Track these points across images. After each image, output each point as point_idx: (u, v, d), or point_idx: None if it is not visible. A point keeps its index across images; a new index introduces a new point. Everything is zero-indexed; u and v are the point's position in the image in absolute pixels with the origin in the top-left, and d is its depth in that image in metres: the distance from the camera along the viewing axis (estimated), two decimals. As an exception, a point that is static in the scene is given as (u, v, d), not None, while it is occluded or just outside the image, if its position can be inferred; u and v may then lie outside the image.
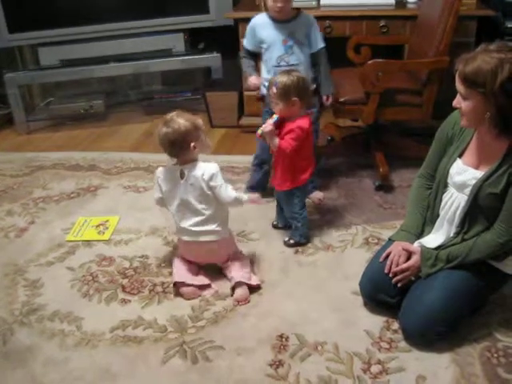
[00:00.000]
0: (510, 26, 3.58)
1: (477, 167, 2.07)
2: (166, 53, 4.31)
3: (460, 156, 2.13)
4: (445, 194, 2.18)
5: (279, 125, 2.58)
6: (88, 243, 2.89)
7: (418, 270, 2.18)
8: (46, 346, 2.24)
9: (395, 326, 2.24)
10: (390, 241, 2.34)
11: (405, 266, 2.18)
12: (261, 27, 2.92)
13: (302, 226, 2.77)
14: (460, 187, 2.11)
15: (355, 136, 3.70)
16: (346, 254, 2.70)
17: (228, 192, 2.41)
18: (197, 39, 4.42)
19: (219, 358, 2.14)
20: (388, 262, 2.22)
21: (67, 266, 2.72)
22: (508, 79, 1.82)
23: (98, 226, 3.03)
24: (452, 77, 1.98)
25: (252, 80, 2.98)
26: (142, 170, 3.65)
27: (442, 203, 2.19)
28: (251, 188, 3.16)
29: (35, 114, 4.60)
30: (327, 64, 3.01)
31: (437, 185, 2.22)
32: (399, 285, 2.21)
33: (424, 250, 2.17)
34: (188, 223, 2.46)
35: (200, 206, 2.42)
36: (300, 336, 2.22)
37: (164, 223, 2.98)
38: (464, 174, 2.09)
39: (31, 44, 4.39)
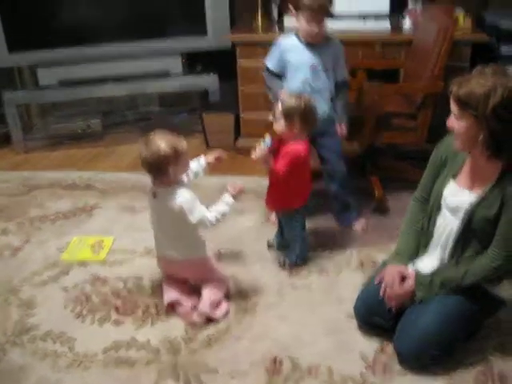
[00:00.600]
0: (504, 51, 3.61)
1: (470, 190, 2.08)
2: (164, 74, 4.33)
3: (454, 178, 2.14)
4: (438, 217, 2.19)
5: (277, 145, 2.59)
6: (83, 263, 2.89)
7: (412, 294, 2.17)
8: (39, 366, 2.23)
9: (390, 349, 2.23)
10: (385, 264, 2.34)
11: (399, 290, 2.18)
12: (289, 49, 2.88)
13: (299, 248, 2.77)
14: (453, 210, 2.11)
15: (350, 159, 3.70)
16: (340, 277, 2.70)
17: (206, 222, 2.34)
18: (194, 61, 4.44)
19: (213, 381, 2.13)
20: (382, 286, 2.22)
21: (61, 286, 2.72)
22: (500, 103, 1.84)
23: (93, 245, 3.03)
24: (446, 101, 2.00)
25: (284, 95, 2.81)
26: (138, 190, 3.64)
27: (436, 226, 2.20)
28: None
29: (33, 133, 4.61)
30: (347, 94, 2.98)
31: (431, 207, 2.22)
32: (394, 309, 2.20)
33: (418, 274, 2.17)
34: (158, 239, 2.49)
35: (169, 228, 2.42)
36: (294, 359, 2.21)
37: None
38: (458, 195, 2.10)
39: (30, 64, 4.41)
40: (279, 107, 2.53)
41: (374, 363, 2.18)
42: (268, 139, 2.54)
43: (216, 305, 2.48)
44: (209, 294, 2.49)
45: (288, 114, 2.52)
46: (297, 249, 2.77)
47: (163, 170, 2.28)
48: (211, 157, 2.63)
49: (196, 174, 2.57)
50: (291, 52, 2.87)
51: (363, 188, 3.44)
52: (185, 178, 2.42)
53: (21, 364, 2.24)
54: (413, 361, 2.14)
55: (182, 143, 2.33)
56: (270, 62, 2.96)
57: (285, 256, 2.80)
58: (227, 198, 2.42)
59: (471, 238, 2.09)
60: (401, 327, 2.19)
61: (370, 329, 2.32)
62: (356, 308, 2.35)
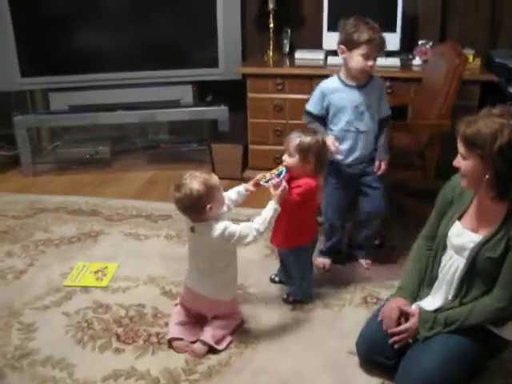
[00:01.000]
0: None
1: (476, 231, 2.08)
2: (174, 103, 4.37)
3: (459, 219, 2.14)
4: (444, 257, 2.18)
5: (287, 182, 2.58)
6: (85, 289, 2.88)
7: (415, 332, 2.15)
8: (37, 392, 2.22)
9: (391, 387, 2.21)
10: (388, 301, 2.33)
11: (402, 327, 2.16)
12: (332, 91, 2.83)
13: (305, 286, 2.75)
14: (458, 250, 2.11)
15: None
16: (343, 313, 2.68)
17: (243, 241, 2.35)
18: (205, 91, 4.49)
19: (211, 413, 2.12)
20: (384, 321, 2.21)
21: (63, 311, 2.71)
22: (506, 144, 1.85)
23: (96, 272, 3.02)
24: (454, 139, 2.01)
25: (331, 141, 2.76)
26: (144, 217, 3.66)
27: (441, 265, 2.19)
28: (325, 252, 3.10)
29: (42, 157, 4.64)
30: (389, 129, 2.95)
31: (436, 246, 2.22)
32: (396, 346, 2.18)
33: (422, 312, 2.16)
34: (193, 270, 2.48)
35: (205, 264, 2.41)
36: (294, 395, 2.19)
37: (163, 273, 2.98)
38: (462, 236, 2.10)
39: (42, 88, 4.46)
40: (295, 143, 2.53)
41: (375, 402, 2.16)
42: (283, 168, 2.55)
43: (220, 339, 2.46)
44: (218, 327, 2.47)
45: (303, 151, 2.53)
46: (303, 287, 2.75)
47: (200, 209, 2.29)
48: (250, 185, 2.61)
49: (234, 202, 2.59)
50: (334, 94, 2.82)
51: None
52: (225, 208, 2.44)
53: (19, 389, 2.23)
54: None
55: (214, 179, 2.34)
56: (312, 106, 2.89)
57: (289, 292, 2.78)
58: (271, 205, 2.43)
59: (476, 278, 2.08)
60: (403, 366, 2.16)
61: (372, 366, 2.30)
62: (358, 345, 2.34)
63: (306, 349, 2.44)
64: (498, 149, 1.86)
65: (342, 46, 2.76)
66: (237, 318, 2.58)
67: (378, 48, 2.72)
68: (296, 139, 2.54)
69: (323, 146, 2.60)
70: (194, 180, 2.27)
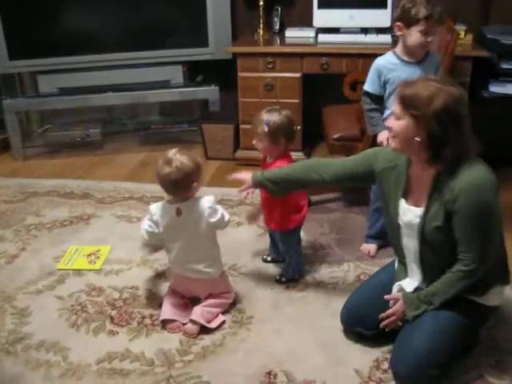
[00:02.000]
0: (504, 67, 3.62)
1: (417, 205, 2.09)
2: (164, 84, 4.35)
3: (403, 197, 2.15)
4: (403, 236, 2.19)
5: (262, 166, 2.63)
6: (78, 272, 2.87)
7: (403, 314, 2.14)
8: (31, 376, 2.22)
9: (385, 365, 2.22)
10: (375, 274, 2.41)
11: (390, 311, 2.16)
12: (388, 68, 2.79)
13: (296, 262, 2.76)
14: (409, 227, 2.13)
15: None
16: (337, 291, 2.69)
17: (225, 219, 2.43)
18: (195, 71, 4.45)
19: (206, 393, 2.12)
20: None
21: (56, 295, 2.70)
22: (442, 107, 1.88)
23: (89, 255, 3.01)
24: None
25: (385, 138, 2.71)
26: (136, 199, 3.64)
27: (403, 244, 2.21)
28: (371, 237, 3.04)
29: (32, 141, 4.61)
30: None
31: (395, 226, 2.21)
32: (387, 329, 2.18)
33: (405, 295, 2.16)
34: (179, 257, 2.46)
35: (193, 244, 2.42)
36: (288, 373, 2.19)
37: (156, 254, 2.96)
38: (408, 213, 2.11)
39: (30, 71, 4.42)
40: (265, 129, 2.52)
41: (369, 379, 2.16)
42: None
43: (211, 318, 2.47)
44: (210, 305, 2.48)
45: (272, 134, 2.52)
46: (294, 263, 2.75)
47: (188, 186, 2.32)
48: None
49: None
50: (391, 71, 2.78)
51: (361, 202, 3.44)
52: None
53: (13, 373, 2.22)
54: (411, 381, 2.09)
55: (199, 158, 2.40)
56: (369, 86, 2.85)
57: (282, 271, 2.78)
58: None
59: (433, 252, 2.08)
60: (396, 348, 2.17)
61: (359, 338, 2.33)
62: (341, 314, 2.38)
63: (299, 328, 2.45)
64: (433, 111, 1.88)
65: (398, 23, 2.71)
66: (229, 297, 2.57)
67: (436, 23, 2.67)
68: (263, 125, 2.52)
69: (291, 121, 2.59)
70: (184, 156, 2.31)
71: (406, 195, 2.14)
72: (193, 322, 2.42)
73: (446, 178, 1.98)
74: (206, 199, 2.39)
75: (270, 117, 2.53)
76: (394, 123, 2.01)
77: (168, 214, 2.40)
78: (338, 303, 2.54)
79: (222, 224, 2.43)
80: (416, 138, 1.95)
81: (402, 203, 2.14)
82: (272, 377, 2.18)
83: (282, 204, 2.61)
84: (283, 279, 2.75)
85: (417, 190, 2.11)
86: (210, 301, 2.50)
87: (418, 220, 2.07)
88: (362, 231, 3.17)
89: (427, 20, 2.62)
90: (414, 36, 2.68)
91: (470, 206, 1.94)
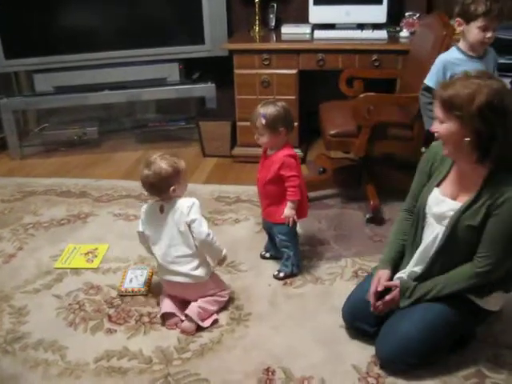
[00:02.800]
0: (500, 61, 3.59)
1: (454, 198, 2.08)
2: (161, 82, 4.34)
3: (438, 186, 2.14)
4: (425, 227, 2.18)
5: (263, 159, 2.64)
6: (76, 271, 2.87)
7: (397, 302, 2.17)
8: (29, 375, 2.21)
9: (383, 361, 2.22)
10: (375, 270, 2.35)
11: (388, 297, 2.17)
12: (454, 64, 2.77)
13: (294, 255, 2.76)
14: (438, 218, 2.11)
15: (347, 168, 3.71)
16: (334, 287, 2.69)
17: (202, 227, 2.39)
18: (192, 69, 4.45)
19: (204, 391, 2.12)
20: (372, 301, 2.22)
21: (54, 294, 2.70)
22: (485, 103, 1.85)
23: (86, 253, 3.01)
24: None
25: None
26: (133, 198, 3.64)
27: (423, 235, 2.19)
28: None
29: (29, 140, 4.60)
30: None
31: (417, 216, 2.21)
32: (376, 313, 2.20)
33: (402, 282, 2.17)
34: (165, 259, 2.44)
35: (178, 243, 2.42)
36: (287, 370, 2.19)
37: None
38: (441, 204, 2.09)
39: (27, 70, 4.41)
40: (262, 122, 2.53)
41: (367, 375, 2.16)
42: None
43: (206, 316, 2.46)
44: (204, 303, 2.47)
45: (271, 126, 2.54)
46: (292, 258, 2.75)
47: (165, 189, 2.37)
48: None
49: None
50: (457, 66, 2.75)
51: (359, 197, 3.44)
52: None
53: (11, 373, 2.22)
54: (389, 365, 2.15)
55: (182, 163, 2.41)
56: (432, 80, 2.82)
57: (280, 267, 2.78)
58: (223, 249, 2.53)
59: (454, 246, 2.07)
60: (382, 331, 2.20)
61: (355, 332, 2.34)
62: (343, 311, 2.37)
63: (297, 324, 2.45)
64: (477, 108, 1.85)
65: (458, 19, 2.72)
66: (224, 295, 2.56)
67: (496, 19, 2.66)
68: (260, 118, 2.54)
69: (287, 110, 2.60)
70: (164, 160, 2.36)
71: (439, 185, 2.13)
72: (189, 319, 2.42)
73: (497, 180, 1.96)
74: (187, 199, 2.41)
75: (266, 110, 2.55)
76: (439, 127, 1.98)
77: (153, 211, 2.46)
78: (336, 299, 2.55)
79: (197, 230, 2.38)
80: (465, 139, 1.92)
81: (436, 192, 2.13)
82: (270, 373, 2.18)
83: (283, 198, 2.63)
84: (281, 275, 2.75)
85: (458, 184, 2.08)
86: (207, 298, 2.49)
87: (451, 213, 2.05)
88: (359, 227, 3.18)
89: (486, 16, 2.61)
90: (473, 32, 2.68)
91: (510, 214, 1.94)
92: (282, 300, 2.61)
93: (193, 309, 2.44)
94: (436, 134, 2.02)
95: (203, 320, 2.43)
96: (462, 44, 2.81)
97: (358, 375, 2.16)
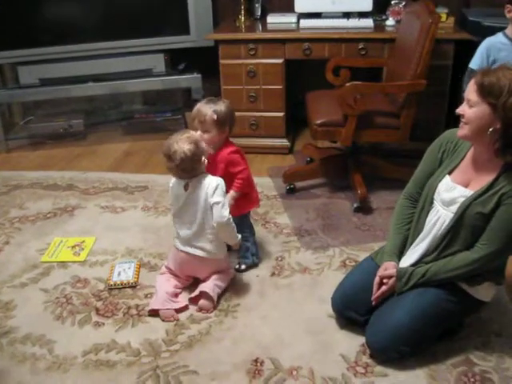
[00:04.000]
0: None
1: (466, 186, 2.08)
2: (146, 73, 4.31)
3: (450, 173, 2.14)
4: (430, 212, 2.18)
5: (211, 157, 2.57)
6: (63, 264, 2.85)
7: (393, 288, 2.18)
8: (17, 370, 2.20)
9: (371, 350, 2.23)
10: (371, 259, 2.36)
11: (385, 288, 2.18)
12: (498, 48, 2.81)
13: (252, 245, 2.76)
14: (447, 204, 2.11)
15: (334, 157, 3.71)
16: (322, 277, 2.68)
17: (224, 210, 2.40)
18: (177, 59, 4.42)
19: (193, 382, 2.11)
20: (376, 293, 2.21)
21: (41, 288, 2.68)
22: None
23: (73, 246, 2.99)
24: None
25: None
26: (120, 190, 3.62)
27: (427, 221, 2.19)
28: None
29: (14, 133, 4.56)
30: None
31: (423, 201, 2.21)
32: (374, 303, 2.21)
33: (399, 269, 2.17)
34: (186, 233, 2.49)
35: (199, 221, 2.44)
36: (275, 360, 2.19)
37: (141, 244, 2.96)
38: (453, 191, 2.10)
39: (11, 62, 4.36)
40: (211, 118, 2.50)
41: (356, 364, 2.16)
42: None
43: (219, 293, 2.53)
44: (216, 279, 2.53)
45: (220, 122, 2.52)
46: (251, 248, 2.75)
47: (197, 165, 2.39)
48: None
49: None
50: (500, 51, 2.78)
51: (346, 187, 3.44)
52: None
53: (-1, 368, 2.21)
54: (380, 354, 2.16)
55: (192, 133, 2.43)
56: (476, 64, 2.85)
57: (239, 259, 2.76)
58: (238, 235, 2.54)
59: (460, 233, 2.07)
60: (373, 319, 2.20)
61: (347, 324, 2.33)
62: (333, 300, 2.37)
63: (285, 314, 2.44)
64: None
65: (508, 5, 2.74)
66: (230, 272, 2.64)
67: None
68: (212, 114, 2.50)
69: (232, 109, 2.60)
70: (182, 143, 2.34)
71: (451, 173, 2.14)
72: (207, 296, 2.46)
73: None
74: (213, 179, 2.42)
75: (216, 106, 2.52)
76: (466, 110, 1.98)
77: (178, 187, 2.47)
78: (324, 289, 2.55)
79: (218, 213, 2.39)
80: (491, 128, 1.92)
81: (447, 179, 2.13)
82: (259, 364, 2.18)
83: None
84: (243, 267, 2.74)
85: (471, 172, 2.08)
86: (217, 275, 2.54)
87: (462, 199, 2.05)
88: (347, 216, 3.18)
89: None
90: None
91: None
92: (270, 291, 2.60)
93: (209, 285, 2.49)
94: (461, 117, 2.01)
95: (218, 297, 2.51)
96: (508, 30, 2.84)
97: (346, 365, 2.17)
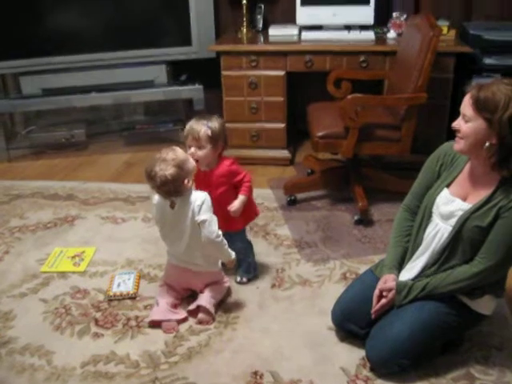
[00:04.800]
0: (487, 62, 3.63)
1: (464, 199, 2.08)
2: (148, 84, 4.32)
3: (448, 186, 2.14)
4: (429, 225, 2.18)
5: (202, 176, 2.56)
6: (63, 275, 2.85)
7: (393, 301, 2.18)
8: (15, 380, 2.19)
9: (371, 363, 2.22)
10: (371, 271, 2.35)
11: (384, 301, 2.17)
12: None
13: (252, 259, 2.76)
14: (445, 217, 2.10)
15: (335, 169, 3.71)
16: (323, 289, 2.68)
17: (212, 227, 2.37)
18: (179, 71, 4.43)
19: (192, 395, 2.11)
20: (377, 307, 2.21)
21: (40, 298, 2.67)
22: None
23: (73, 257, 2.99)
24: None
25: None
26: (121, 200, 3.62)
27: (425, 234, 2.18)
28: None
29: (16, 142, 4.55)
30: None
31: (422, 214, 2.21)
32: (373, 316, 2.20)
33: (398, 282, 2.17)
34: (176, 250, 2.48)
35: (188, 238, 2.42)
36: (275, 373, 2.18)
37: (141, 256, 2.96)
38: (451, 204, 2.10)
39: (13, 72, 4.38)
40: (205, 134, 2.46)
41: (356, 377, 2.15)
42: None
43: (215, 304, 2.52)
44: (212, 291, 2.52)
45: (214, 138, 2.49)
46: (250, 260, 2.75)
47: (179, 187, 2.33)
48: None
49: None
50: None
51: (347, 199, 3.44)
52: None
53: (-3, 378, 2.20)
54: (380, 366, 2.15)
55: (179, 153, 2.35)
56: None
57: (240, 273, 2.74)
58: (231, 252, 2.51)
59: (459, 246, 2.07)
60: (373, 333, 2.19)
61: (345, 334, 2.33)
62: (333, 312, 2.36)
63: (285, 327, 2.44)
64: (509, 115, 1.86)
65: None
66: (226, 282, 2.63)
67: None
68: (206, 130, 2.47)
69: (224, 125, 2.59)
70: (165, 165, 2.28)
71: (449, 186, 2.14)
72: (204, 310, 2.45)
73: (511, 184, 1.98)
74: (198, 196, 2.38)
75: (209, 123, 2.49)
76: (462, 125, 1.98)
77: (163, 205, 2.42)
78: (324, 301, 2.54)
79: (206, 230, 2.36)
80: (487, 143, 1.92)
81: (445, 192, 2.13)
82: (258, 377, 2.17)
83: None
84: (244, 279, 2.73)
85: (469, 185, 2.08)
86: (214, 287, 2.54)
87: (460, 213, 2.05)
88: (348, 229, 3.17)
89: None
90: None
91: None
92: (270, 303, 2.60)
93: (205, 298, 2.48)
94: (457, 131, 2.01)
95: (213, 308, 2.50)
96: None
97: (346, 378, 2.16)
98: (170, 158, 2.29)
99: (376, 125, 3.21)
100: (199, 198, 2.37)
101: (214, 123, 2.50)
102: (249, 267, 2.74)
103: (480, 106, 1.91)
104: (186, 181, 2.33)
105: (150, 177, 2.30)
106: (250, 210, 2.70)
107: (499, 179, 2.00)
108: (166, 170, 2.26)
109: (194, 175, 2.40)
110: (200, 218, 2.35)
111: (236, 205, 2.56)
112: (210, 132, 2.47)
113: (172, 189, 2.30)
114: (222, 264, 2.58)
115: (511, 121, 1.87)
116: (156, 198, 2.44)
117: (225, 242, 2.43)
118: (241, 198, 2.58)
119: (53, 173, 4.14)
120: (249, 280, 2.73)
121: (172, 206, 2.39)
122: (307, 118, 3.55)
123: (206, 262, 2.49)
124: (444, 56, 3.53)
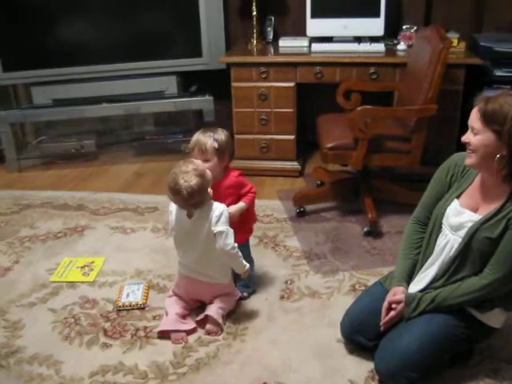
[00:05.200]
0: (498, 74, 3.62)
1: (475, 210, 2.07)
2: (158, 95, 4.35)
3: (458, 197, 2.13)
4: (439, 237, 2.17)
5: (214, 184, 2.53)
6: (72, 284, 2.85)
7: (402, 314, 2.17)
8: (24, 390, 2.19)
9: (380, 376, 2.20)
10: (380, 284, 2.34)
11: (393, 314, 2.16)
12: None
13: (252, 273, 2.73)
14: (455, 229, 2.10)
15: (344, 181, 3.71)
16: (332, 301, 2.67)
17: (228, 239, 2.37)
18: (189, 82, 4.45)
19: (200, 406, 2.10)
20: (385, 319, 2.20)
21: (49, 308, 2.68)
22: None
23: (83, 267, 2.99)
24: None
25: None
26: (131, 211, 3.63)
27: (436, 245, 2.17)
28: None
29: (27, 152, 4.58)
30: None
31: (432, 226, 2.20)
32: (382, 329, 2.19)
33: (408, 295, 2.16)
34: (188, 260, 2.48)
35: (202, 248, 2.42)
36: (283, 385, 2.17)
37: (150, 266, 2.96)
38: (461, 216, 2.09)
39: (25, 83, 4.42)
40: (212, 146, 2.45)
41: (365, 390, 2.15)
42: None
43: (224, 315, 2.51)
44: (219, 303, 2.52)
45: (220, 151, 2.48)
46: (252, 277, 2.73)
47: (204, 197, 2.33)
48: None
49: None
50: None
51: (356, 211, 3.43)
52: None
53: (5, 388, 2.20)
54: (389, 380, 2.13)
55: (198, 163, 2.36)
56: None
57: (242, 288, 2.71)
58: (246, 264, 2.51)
59: (468, 258, 2.06)
60: (382, 345, 2.18)
61: (354, 347, 2.31)
62: (342, 324, 2.35)
63: (294, 338, 2.43)
64: None
65: None
66: (236, 293, 2.62)
67: None
68: (212, 142, 2.46)
69: (230, 138, 2.59)
70: (188, 177, 2.28)
71: (459, 197, 2.13)
72: (212, 321, 2.44)
73: None
74: (217, 207, 2.38)
75: (215, 135, 2.49)
76: (471, 138, 1.97)
77: (181, 214, 2.42)
78: (334, 313, 2.53)
79: (222, 241, 2.36)
80: (497, 155, 1.92)
81: (455, 204, 2.12)
82: (266, 388, 2.17)
83: (243, 218, 2.61)
84: (245, 294, 2.70)
85: (479, 197, 2.07)
86: (223, 298, 2.53)
87: (470, 224, 2.04)
88: (357, 240, 3.16)
89: None
90: None
91: None
92: (279, 314, 2.59)
93: (214, 309, 2.48)
94: (467, 145, 2.01)
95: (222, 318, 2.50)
96: None
97: (355, 390, 2.15)
98: (191, 169, 2.30)
99: (386, 136, 3.21)
100: (218, 209, 2.37)
101: (221, 135, 2.50)
102: (249, 281, 2.73)
103: (488, 119, 1.91)
104: (208, 189, 2.35)
105: (175, 191, 2.29)
106: (250, 222, 2.70)
107: (509, 191, 1.99)
108: (191, 181, 2.27)
109: (211, 184, 2.40)
110: (217, 228, 2.36)
111: (233, 208, 2.53)
112: (216, 144, 2.47)
113: (198, 200, 2.31)
114: (236, 276, 2.58)
115: None
116: (173, 205, 2.44)
117: (240, 253, 2.43)
118: (241, 204, 2.57)
119: (63, 183, 4.16)
120: (249, 294, 2.72)
121: (190, 215, 2.39)
122: (317, 129, 3.55)
123: (218, 273, 2.49)
124: (454, 68, 3.53)
